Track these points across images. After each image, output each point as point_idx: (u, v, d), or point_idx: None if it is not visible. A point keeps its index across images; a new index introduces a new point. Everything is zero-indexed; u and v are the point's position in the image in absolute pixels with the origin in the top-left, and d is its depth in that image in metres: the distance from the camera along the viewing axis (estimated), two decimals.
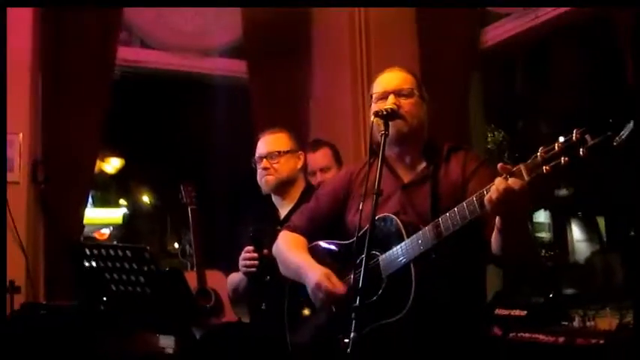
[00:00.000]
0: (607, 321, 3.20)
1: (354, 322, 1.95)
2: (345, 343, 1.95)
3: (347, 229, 2.43)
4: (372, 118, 2.27)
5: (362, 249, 2.08)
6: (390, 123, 2.28)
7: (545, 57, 4.37)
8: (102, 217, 10.01)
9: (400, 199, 2.34)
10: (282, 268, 2.57)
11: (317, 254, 2.48)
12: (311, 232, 2.55)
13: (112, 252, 2.62)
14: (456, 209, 2.07)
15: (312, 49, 4.67)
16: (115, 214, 10.32)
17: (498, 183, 1.90)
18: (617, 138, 1.77)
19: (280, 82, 4.50)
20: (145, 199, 10.81)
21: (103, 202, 10.12)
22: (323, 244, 2.51)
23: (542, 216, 7.54)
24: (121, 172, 8.53)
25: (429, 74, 3.70)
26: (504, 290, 3.88)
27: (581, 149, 1.76)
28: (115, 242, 8.86)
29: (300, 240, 2.55)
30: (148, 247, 2.59)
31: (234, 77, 4.72)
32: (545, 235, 7.59)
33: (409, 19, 4.26)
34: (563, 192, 6.78)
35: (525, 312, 3.31)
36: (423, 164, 2.39)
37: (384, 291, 2.20)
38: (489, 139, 6.25)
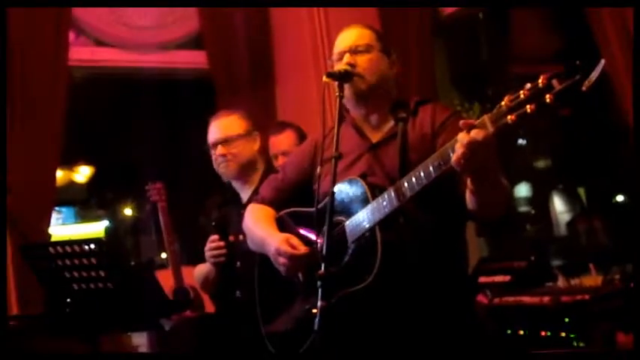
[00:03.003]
0: (592, 278, 3.15)
1: (320, 290, 1.85)
2: (314, 313, 1.85)
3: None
4: (324, 77, 2.15)
5: (324, 216, 1.97)
6: (346, 85, 2.17)
7: (505, 16, 4.27)
8: (83, 233, 9.81)
9: (368, 160, 2.23)
10: (250, 243, 2.46)
11: (284, 224, 2.37)
12: (279, 203, 2.44)
13: (67, 248, 2.49)
14: (420, 167, 1.94)
15: None
16: (97, 228, 10.13)
17: (461, 138, 1.76)
18: (586, 82, 1.61)
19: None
20: (126, 207, 10.61)
21: (84, 217, 9.92)
22: (289, 212, 2.39)
23: (523, 190, 7.48)
24: (94, 180, 8.33)
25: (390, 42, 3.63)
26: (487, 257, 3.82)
27: (547, 95, 1.62)
28: None
29: (267, 211, 2.44)
30: (104, 239, 2.45)
31: (196, 69, 4.63)
32: (528, 209, 7.52)
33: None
34: (541, 164, 6.71)
35: (509, 277, 3.25)
36: (391, 122, 2.27)
37: (351, 258, 2.10)
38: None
